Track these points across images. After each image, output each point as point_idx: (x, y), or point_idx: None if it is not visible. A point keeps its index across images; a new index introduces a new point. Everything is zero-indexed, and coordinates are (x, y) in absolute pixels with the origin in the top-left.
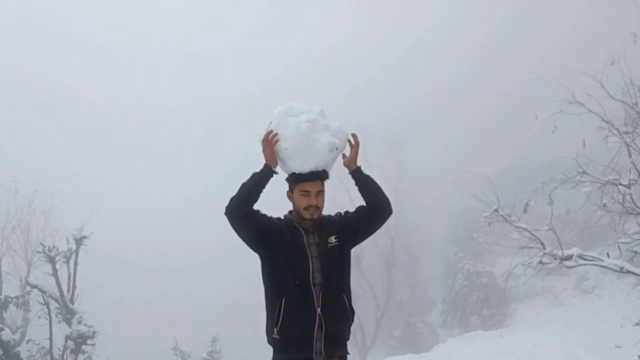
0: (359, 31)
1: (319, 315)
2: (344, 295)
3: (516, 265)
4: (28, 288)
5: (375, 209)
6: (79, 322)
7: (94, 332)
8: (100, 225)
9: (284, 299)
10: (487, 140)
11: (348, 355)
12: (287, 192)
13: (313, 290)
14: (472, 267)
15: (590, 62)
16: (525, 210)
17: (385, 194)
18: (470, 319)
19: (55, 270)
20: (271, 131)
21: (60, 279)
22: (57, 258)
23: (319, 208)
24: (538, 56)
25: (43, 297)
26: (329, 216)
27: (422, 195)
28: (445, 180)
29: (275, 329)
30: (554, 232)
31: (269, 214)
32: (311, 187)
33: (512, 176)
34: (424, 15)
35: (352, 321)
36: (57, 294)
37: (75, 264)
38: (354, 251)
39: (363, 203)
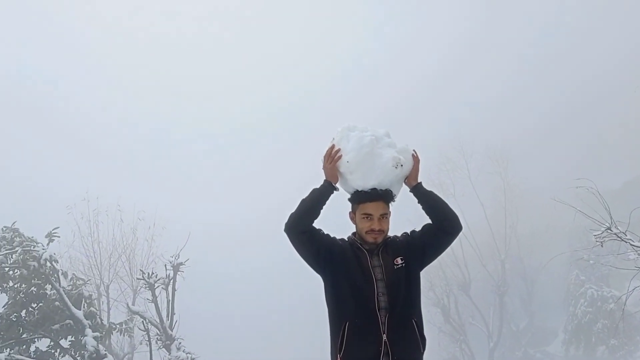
0: (474, 48)
1: (385, 342)
2: (414, 320)
3: (634, 289)
4: (131, 315)
5: (442, 225)
6: (178, 349)
7: (192, 358)
8: (195, 250)
9: (347, 324)
10: (612, 152)
11: None
12: (350, 213)
13: (378, 314)
14: (596, 291)
15: None
16: None
17: (451, 208)
18: (597, 349)
19: (154, 296)
20: (334, 146)
21: (160, 305)
22: (156, 285)
23: (382, 232)
24: None
25: (144, 323)
26: (395, 237)
27: (535, 213)
28: (561, 197)
29: (338, 355)
30: None
31: (332, 235)
32: (373, 209)
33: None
34: (541, 29)
35: (424, 349)
36: (157, 320)
37: (173, 290)
38: (461, 274)
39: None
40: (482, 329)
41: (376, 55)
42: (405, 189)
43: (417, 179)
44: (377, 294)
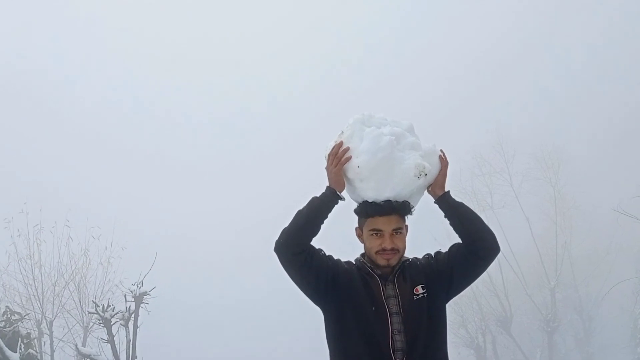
0: (532, 35)
1: None
2: None
3: None
4: (81, 358)
5: (474, 246)
6: None
7: None
8: (163, 274)
9: None
10: None
11: None
12: (356, 229)
13: (393, 357)
14: None
15: None
16: None
17: (486, 224)
18: None
19: (111, 335)
20: (341, 143)
21: (118, 345)
22: (112, 320)
23: (396, 252)
24: None
25: None
26: (415, 259)
27: (594, 231)
28: (627, 210)
29: None
30: None
31: (336, 256)
32: (385, 224)
33: None
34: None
35: None
36: None
37: (135, 327)
38: (501, 307)
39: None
40: None
41: (408, 42)
42: (428, 198)
43: (444, 187)
44: (392, 332)
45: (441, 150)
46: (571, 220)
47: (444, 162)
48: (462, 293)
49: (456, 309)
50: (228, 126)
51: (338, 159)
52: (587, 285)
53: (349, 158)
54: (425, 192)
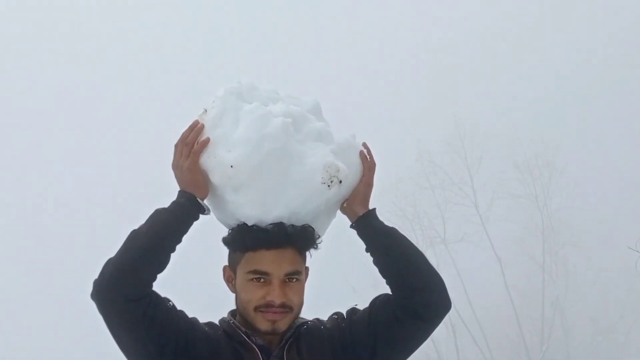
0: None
1: None
2: None
3: None
4: None
5: (411, 301)
6: None
7: None
8: None
9: None
10: None
11: None
12: (224, 268)
13: None
14: None
15: None
16: None
17: (431, 266)
18: None
19: None
20: (196, 122)
21: None
22: None
23: (288, 310)
24: None
25: None
26: (316, 322)
27: (601, 280)
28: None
29: None
30: None
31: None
32: (273, 263)
33: None
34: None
35: None
36: None
37: None
38: None
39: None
40: None
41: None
42: (342, 219)
43: (367, 202)
44: None
45: (364, 145)
46: (566, 264)
47: (368, 163)
48: None
49: None
50: None
51: (187, 145)
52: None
53: (206, 143)
54: (339, 210)
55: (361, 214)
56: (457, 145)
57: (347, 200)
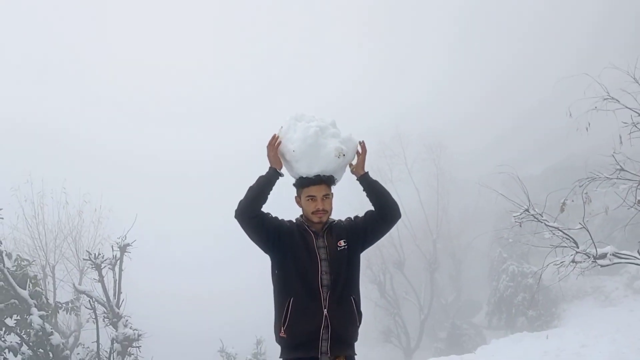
0: (403, 38)
1: (326, 316)
2: (352, 298)
3: (547, 265)
4: (77, 294)
5: (383, 213)
6: (125, 326)
7: (139, 335)
8: (143, 232)
9: (292, 299)
10: (532, 141)
11: (355, 356)
12: (295, 197)
13: (320, 291)
14: (516, 267)
15: (625, 58)
16: (562, 210)
17: (392, 197)
18: (517, 320)
19: (101, 276)
20: (275, 135)
21: (107, 284)
22: (102, 265)
23: (326, 211)
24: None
25: (90, 302)
26: (339, 221)
27: (465, 197)
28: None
29: (282, 328)
30: (587, 230)
31: (280, 217)
32: (316, 191)
33: (558, 176)
34: (458, 22)
35: (360, 323)
36: (104, 299)
37: (120, 270)
38: (397, 254)
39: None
40: (415, 303)
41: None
42: (348, 176)
43: (363, 168)
44: (321, 273)
45: (362, 142)
46: (448, 190)
47: (363, 149)
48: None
49: (364, 256)
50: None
51: (272, 146)
52: (459, 237)
53: (279, 143)
54: (350, 172)
55: (362, 174)
56: (397, 133)
57: (355, 167)
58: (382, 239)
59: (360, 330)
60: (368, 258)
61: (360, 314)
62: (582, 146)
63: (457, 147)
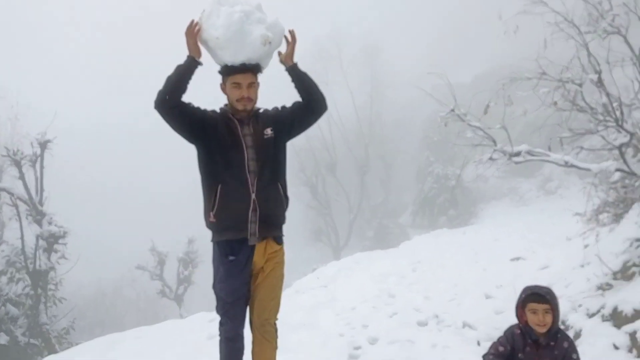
0: None
1: (254, 200)
2: (279, 183)
3: (468, 162)
4: None
5: (310, 105)
6: (50, 223)
7: (64, 232)
8: (65, 131)
9: (220, 185)
10: (464, 47)
11: (283, 237)
12: (220, 84)
13: (248, 177)
14: (441, 170)
15: None
16: (485, 112)
17: (320, 90)
18: (439, 219)
19: (22, 173)
20: (193, 21)
21: (29, 182)
22: (22, 162)
23: (251, 100)
24: None
25: (11, 199)
26: (266, 110)
27: (398, 102)
28: (421, 87)
29: (211, 213)
30: (506, 130)
31: (203, 107)
32: (242, 79)
33: (487, 83)
34: None
35: (287, 207)
36: (26, 197)
37: (42, 167)
38: (329, 157)
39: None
40: (345, 204)
41: None
42: (277, 63)
43: (292, 59)
44: (248, 160)
45: (292, 31)
46: (382, 96)
47: (293, 39)
48: (301, 147)
49: (297, 159)
50: None
51: (191, 33)
52: (390, 142)
53: (199, 30)
54: (279, 62)
55: (291, 64)
56: (334, 36)
57: (284, 56)
58: (315, 141)
59: (292, 230)
60: (301, 162)
61: (287, 198)
62: (513, 58)
63: (392, 52)
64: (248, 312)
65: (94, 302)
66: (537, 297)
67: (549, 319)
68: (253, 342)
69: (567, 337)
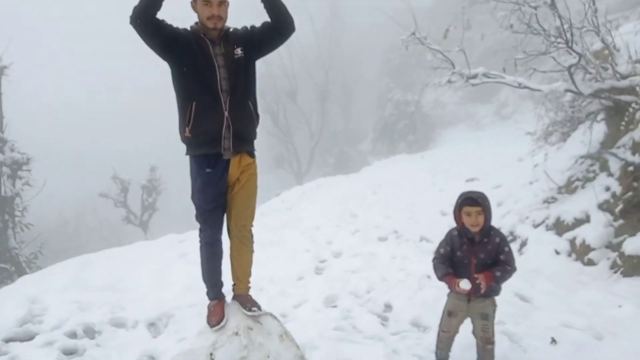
0: None
1: (227, 117)
2: (250, 102)
3: (427, 85)
4: None
5: (279, 25)
6: (12, 150)
7: (28, 159)
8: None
9: (194, 103)
10: None
11: (255, 152)
12: (191, 2)
13: (221, 95)
14: (401, 97)
15: None
16: (445, 36)
17: (289, 12)
18: (398, 145)
19: None
20: None
21: None
22: None
23: (221, 18)
24: None
25: None
26: (235, 29)
27: (358, 28)
28: (382, 10)
29: (187, 129)
30: (464, 52)
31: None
32: None
33: (448, 8)
34: None
35: (258, 123)
36: None
37: None
38: (289, 85)
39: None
40: (306, 131)
41: None
42: None
43: None
44: (220, 79)
45: None
46: (342, 21)
47: None
48: (261, 73)
49: (256, 85)
50: None
51: None
52: (350, 68)
53: None
54: None
55: None
56: None
57: None
58: (275, 69)
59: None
60: (261, 89)
61: (258, 115)
62: None
63: None
64: (225, 220)
65: (56, 232)
66: (470, 201)
67: (481, 219)
68: (231, 248)
69: (500, 233)
